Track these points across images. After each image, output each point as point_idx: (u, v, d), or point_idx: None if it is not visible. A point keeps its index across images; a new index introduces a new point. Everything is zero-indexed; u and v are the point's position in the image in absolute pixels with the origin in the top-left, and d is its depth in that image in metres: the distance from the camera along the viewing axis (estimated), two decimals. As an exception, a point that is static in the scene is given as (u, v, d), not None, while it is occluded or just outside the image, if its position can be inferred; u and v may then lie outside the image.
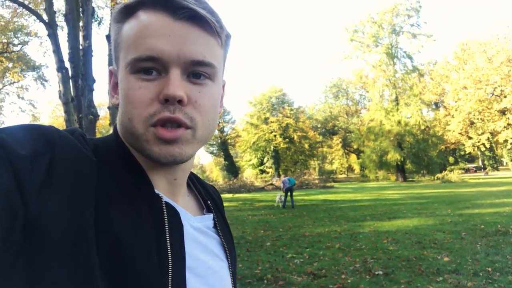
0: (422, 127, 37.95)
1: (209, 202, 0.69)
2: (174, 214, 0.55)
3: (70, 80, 10.92)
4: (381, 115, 39.38)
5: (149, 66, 0.51)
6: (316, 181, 33.79)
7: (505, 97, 39.92)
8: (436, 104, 48.98)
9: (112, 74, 0.60)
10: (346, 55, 42.56)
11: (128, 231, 0.48)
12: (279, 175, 38.27)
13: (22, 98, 33.73)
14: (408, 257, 5.75)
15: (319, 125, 51.99)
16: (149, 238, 0.50)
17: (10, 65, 25.53)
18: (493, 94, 41.60)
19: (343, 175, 57.84)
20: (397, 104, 39.76)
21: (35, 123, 0.51)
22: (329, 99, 54.86)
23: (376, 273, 5.01)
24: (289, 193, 15.14)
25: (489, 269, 4.92)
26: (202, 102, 0.54)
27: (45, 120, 40.75)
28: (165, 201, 0.55)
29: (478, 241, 6.74)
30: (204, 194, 0.70)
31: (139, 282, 0.46)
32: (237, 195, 24.66)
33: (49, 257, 0.40)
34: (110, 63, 18.67)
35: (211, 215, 0.67)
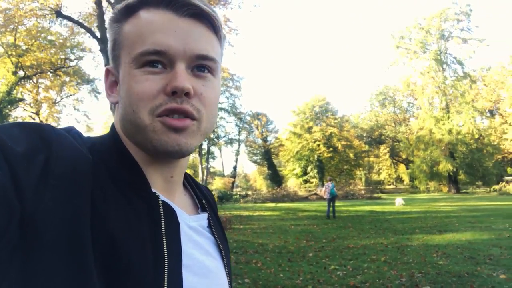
0: (476, 136, 35.87)
1: (203, 201, 0.69)
2: (170, 213, 0.55)
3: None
4: (431, 123, 37.79)
5: (155, 60, 0.53)
6: (362, 192, 32.89)
7: None
8: (491, 111, 46.15)
9: (109, 73, 0.62)
10: (392, 62, 41.42)
11: (124, 229, 0.48)
12: (323, 185, 37.77)
13: (78, 110, 36.16)
14: (460, 273, 5.42)
15: (364, 134, 50.66)
16: (145, 236, 0.50)
17: (67, 79, 27.33)
18: (554, 99, 38.61)
19: (391, 186, 55.77)
20: (448, 112, 37.99)
21: (32, 121, 0.52)
22: (375, 107, 53.41)
23: (424, 288, 4.77)
24: (331, 203, 14.80)
25: (552, 289, 4.52)
26: (207, 96, 0.56)
27: (98, 130, 43.10)
28: (161, 200, 0.55)
29: (540, 258, 6.22)
30: (199, 194, 0.71)
31: (135, 280, 0.46)
32: (280, 204, 24.53)
33: (45, 255, 0.40)
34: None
35: (206, 215, 0.67)
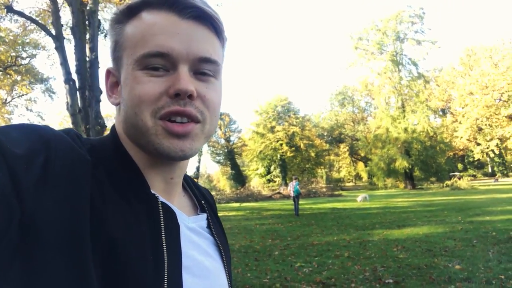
0: (430, 134, 37.60)
1: (202, 202, 0.69)
2: (170, 214, 0.55)
3: (77, 92, 11.07)
4: (387, 122, 39.14)
5: (157, 62, 0.53)
6: (324, 189, 33.63)
7: (512, 102, 39.64)
8: (443, 110, 48.75)
9: (110, 74, 0.61)
10: (351, 62, 42.50)
11: (123, 231, 0.48)
12: (286, 184, 38.13)
13: (31, 110, 34.14)
14: (419, 265, 5.67)
15: (325, 133, 51.84)
16: (145, 238, 0.50)
17: (19, 78, 25.85)
18: (500, 99, 41.34)
19: (351, 183, 57.44)
20: (404, 111, 39.54)
21: (31, 123, 0.52)
22: (335, 107, 54.79)
23: (386, 281, 4.94)
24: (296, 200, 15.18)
25: (502, 276, 4.83)
26: (210, 98, 0.56)
27: (53, 132, 41.10)
28: (161, 201, 0.55)
29: (490, 248, 6.63)
30: (198, 194, 0.70)
31: (135, 282, 0.46)
32: (244, 204, 24.55)
33: (45, 256, 0.40)
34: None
35: (204, 215, 0.67)
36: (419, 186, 38.43)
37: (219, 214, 0.75)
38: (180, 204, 0.63)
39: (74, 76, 11.09)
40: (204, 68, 0.56)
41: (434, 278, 4.96)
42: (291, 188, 15.49)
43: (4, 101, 29.30)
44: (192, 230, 0.61)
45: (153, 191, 0.55)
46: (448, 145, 40.60)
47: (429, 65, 65.38)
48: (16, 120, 31.72)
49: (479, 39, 64.77)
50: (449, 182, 33.10)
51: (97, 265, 0.44)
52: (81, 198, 0.45)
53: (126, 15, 0.57)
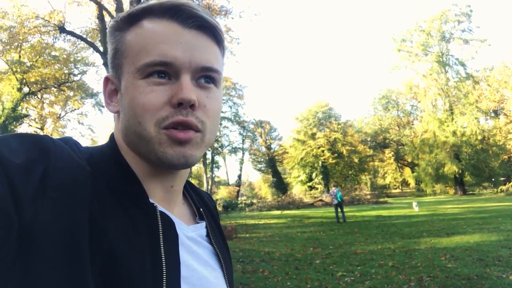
0: (480, 137, 35.70)
1: (201, 209, 0.69)
2: (169, 224, 0.55)
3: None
4: (434, 125, 37.70)
5: (160, 70, 0.53)
6: (368, 197, 32.71)
7: None
8: (495, 111, 45.97)
9: (108, 82, 0.61)
10: (394, 65, 41.47)
11: (122, 241, 0.48)
12: (328, 191, 37.59)
13: (82, 124, 36.33)
14: (469, 276, 5.38)
15: (368, 139, 50.55)
16: (144, 248, 0.50)
17: (71, 93, 27.54)
18: (560, 98, 38.42)
19: (397, 190, 55.45)
20: (452, 113, 37.90)
21: (30, 132, 0.52)
22: (378, 112, 53.34)
23: (433, 292, 4.73)
24: (339, 208, 15.02)
25: None
26: (211, 107, 0.56)
27: (102, 143, 43.42)
28: (159, 211, 0.54)
29: (549, 258, 6.16)
30: (198, 201, 0.71)
31: None
32: (285, 212, 24.43)
33: (44, 267, 0.40)
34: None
35: (204, 223, 0.67)
36: (470, 192, 36.55)
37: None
38: (179, 213, 0.64)
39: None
40: (206, 77, 0.56)
41: (485, 289, 4.69)
42: (332, 195, 15.40)
43: (58, 115, 31.26)
44: (191, 239, 0.61)
45: (152, 200, 0.55)
46: (502, 148, 38.27)
47: (479, 64, 62.28)
48: (69, 133, 33.73)
49: (533, 34, 60.66)
50: (504, 187, 31.12)
51: (96, 275, 0.43)
52: (80, 209, 0.44)
53: (126, 23, 0.57)
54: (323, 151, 41.08)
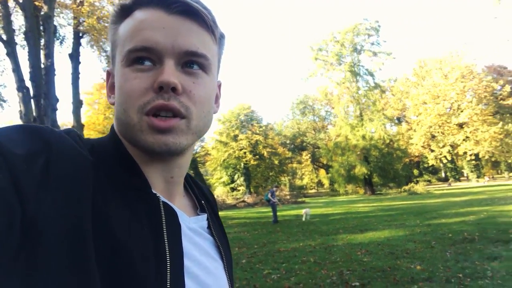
0: (387, 141, 39.10)
1: (203, 202, 0.68)
2: (171, 214, 0.55)
3: (32, 100, 10.57)
4: (346, 130, 40.25)
5: (143, 56, 0.53)
6: (288, 197, 33.87)
7: (461, 111, 42.11)
8: (398, 119, 50.87)
9: (110, 75, 0.61)
10: (311, 72, 43.42)
11: (125, 231, 0.47)
12: (250, 192, 38.07)
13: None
14: (383, 268, 5.84)
15: (288, 141, 52.52)
16: (147, 238, 0.50)
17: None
18: (450, 108, 43.79)
19: (314, 190, 58.40)
20: (362, 119, 40.84)
21: (32, 124, 0.52)
22: (296, 116, 55.73)
23: (353, 284, 5.05)
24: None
25: (460, 275, 5.08)
26: (197, 93, 0.55)
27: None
28: (162, 201, 0.55)
29: (448, 249, 6.96)
30: (199, 194, 0.70)
31: (138, 282, 0.46)
32: (208, 214, 24.19)
33: (47, 257, 0.40)
34: (74, 82, 17.90)
35: (205, 216, 0.67)
36: (378, 192, 39.69)
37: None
38: (181, 204, 0.63)
39: (28, 83, 10.59)
40: (191, 62, 0.55)
41: (397, 279, 5.13)
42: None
43: None
44: (193, 230, 0.61)
45: (154, 191, 0.55)
46: (404, 152, 42.32)
47: (385, 75, 68.12)
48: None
49: (430, 51, 68.48)
50: (406, 187, 34.47)
51: (100, 265, 0.43)
52: (83, 199, 0.44)
53: (120, 16, 0.57)
54: (245, 153, 41.58)
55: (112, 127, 0.60)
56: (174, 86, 0.51)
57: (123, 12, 0.57)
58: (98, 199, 0.47)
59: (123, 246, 0.46)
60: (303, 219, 14.35)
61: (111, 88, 0.61)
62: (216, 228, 0.68)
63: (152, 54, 0.53)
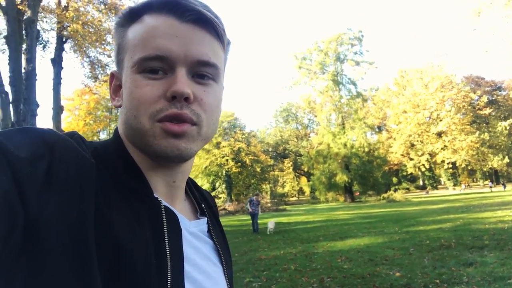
0: (367, 149, 39.66)
1: (202, 205, 0.69)
2: (172, 218, 0.55)
3: (11, 105, 10.33)
4: (329, 138, 40.71)
5: (156, 65, 0.53)
6: (269, 205, 33.89)
7: (440, 120, 43.23)
8: (379, 127, 51.78)
9: (114, 77, 0.61)
10: (295, 81, 43.89)
11: (127, 235, 0.48)
12: (231, 200, 37.95)
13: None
14: (363, 275, 5.91)
15: (270, 149, 52.78)
16: (148, 241, 0.50)
17: None
18: (430, 117, 44.89)
19: (294, 198, 58.64)
20: (343, 127, 41.40)
21: (35, 126, 0.52)
22: (279, 123, 56.15)
23: (333, 291, 5.09)
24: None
25: (437, 281, 5.18)
26: (207, 101, 0.56)
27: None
28: (163, 205, 0.55)
29: (425, 255, 7.10)
30: (199, 197, 0.71)
31: (139, 285, 0.46)
32: (189, 221, 23.95)
33: (49, 260, 0.40)
34: (55, 87, 17.61)
35: (205, 219, 0.67)
36: (357, 199, 40.14)
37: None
38: (181, 208, 0.63)
39: (8, 88, 10.36)
40: (203, 71, 0.56)
41: (377, 286, 5.20)
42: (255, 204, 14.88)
43: None
44: (193, 234, 0.61)
45: (156, 195, 0.55)
46: (384, 160, 43.03)
47: (367, 84, 69.55)
48: None
49: (411, 62, 69.96)
50: (385, 195, 34.98)
51: (102, 268, 0.43)
52: (85, 202, 0.44)
53: (128, 19, 0.57)
54: (227, 160, 41.48)
55: (116, 130, 0.61)
56: (187, 96, 0.52)
57: (132, 16, 0.57)
58: (101, 202, 0.47)
59: (125, 250, 0.46)
60: (268, 232, 13.44)
61: (115, 91, 0.61)
62: (216, 232, 0.69)
63: (164, 63, 0.53)
